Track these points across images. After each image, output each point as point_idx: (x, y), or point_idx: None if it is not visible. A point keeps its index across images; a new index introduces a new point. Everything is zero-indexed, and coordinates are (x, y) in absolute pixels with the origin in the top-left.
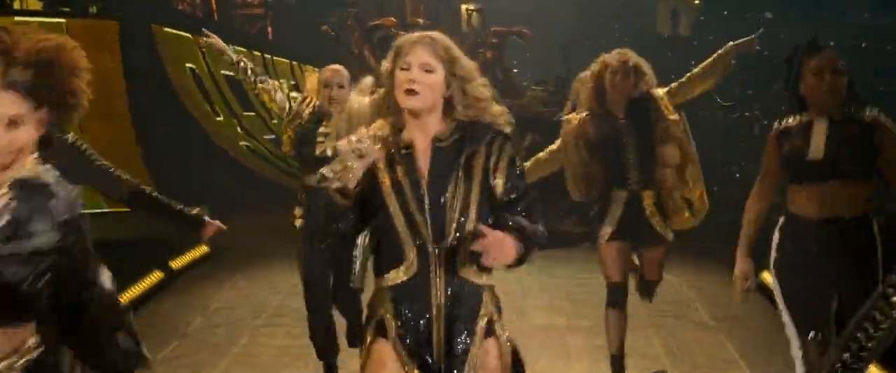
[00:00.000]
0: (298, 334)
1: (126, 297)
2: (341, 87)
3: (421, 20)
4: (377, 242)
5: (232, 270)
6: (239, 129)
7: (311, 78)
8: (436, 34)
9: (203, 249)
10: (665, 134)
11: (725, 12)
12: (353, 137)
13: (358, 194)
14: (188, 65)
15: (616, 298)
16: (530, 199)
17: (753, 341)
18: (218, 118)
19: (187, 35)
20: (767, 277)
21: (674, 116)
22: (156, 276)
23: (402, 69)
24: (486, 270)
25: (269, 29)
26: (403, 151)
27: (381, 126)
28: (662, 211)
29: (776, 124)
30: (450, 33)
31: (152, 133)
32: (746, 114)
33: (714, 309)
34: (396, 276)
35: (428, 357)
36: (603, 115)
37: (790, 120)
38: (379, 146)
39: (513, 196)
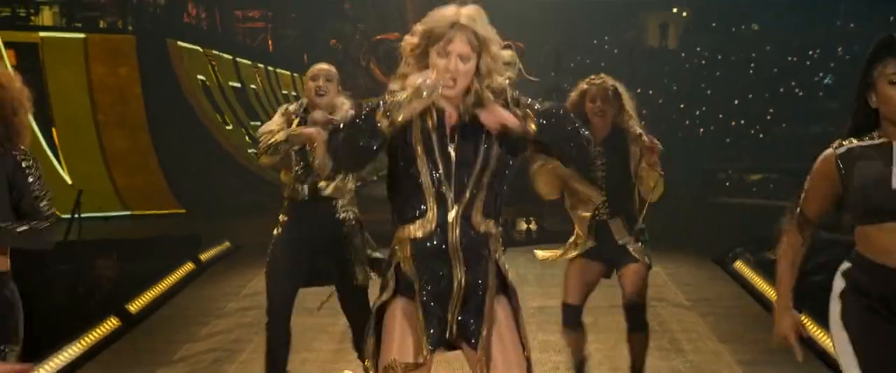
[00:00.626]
0: (319, 314)
1: (164, 284)
2: (328, 80)
3: None
4: (395, 192)
5: (251, 262)
6: (247, 137)
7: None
8: (472, 14)
9: (226, 244)
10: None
11: (713, 24)
12: (422, 77)
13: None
14: (199, 77)
15: (568, 319)
16: (563, 116)
17: (724, 318)
18: (228, 127)
19: (198, 48)
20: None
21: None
22: (188, 266)
23: (439, 56)
24: (491, 217)
25: (270, 41)
26: (434, 118)
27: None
28: (632, 233)
29: (836, 144)
30: None
31: (167, 141)
32: (732, 122)
33: (688, 291)
34: (416, 229)
35: (442, 310)
36: None
37: (856, 139)
38: (435, 86)
39: (555, 114)
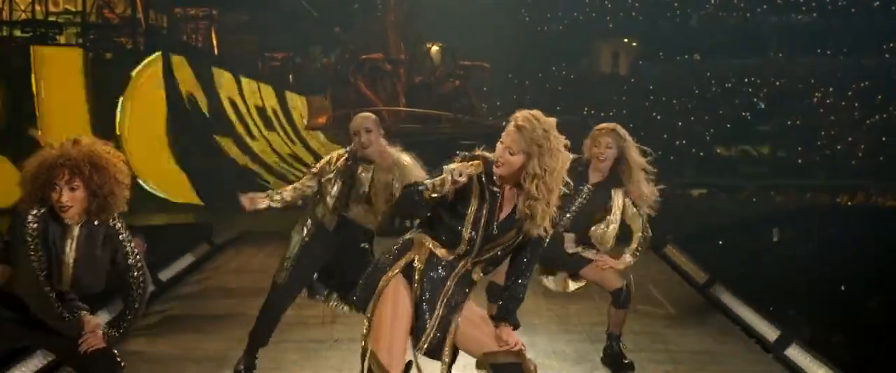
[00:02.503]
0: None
1: (183, 263)
2: (368, 131)
3: (402, 56)
4: (439, 218)
5: (262, 245)
6: (269, 147)
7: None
8: (532, 121)
9: (240, 229)
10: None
11: (660, 53)
12: (457, 168)
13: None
14: (227, 96)
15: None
16: (534, 251)
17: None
18: (255, 140)
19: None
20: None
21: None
22: (205, 247)
23: (500, 142)
24: (478, 272)
25: (259, 63)
26: (494, 189)
27: (476, 166)
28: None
29: None
30: (420, 66)
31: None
32: (676, 142)
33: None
34: (438, 250)
35: (427, 310)
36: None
37: None
38: (467, 179)
39: (525, 245)
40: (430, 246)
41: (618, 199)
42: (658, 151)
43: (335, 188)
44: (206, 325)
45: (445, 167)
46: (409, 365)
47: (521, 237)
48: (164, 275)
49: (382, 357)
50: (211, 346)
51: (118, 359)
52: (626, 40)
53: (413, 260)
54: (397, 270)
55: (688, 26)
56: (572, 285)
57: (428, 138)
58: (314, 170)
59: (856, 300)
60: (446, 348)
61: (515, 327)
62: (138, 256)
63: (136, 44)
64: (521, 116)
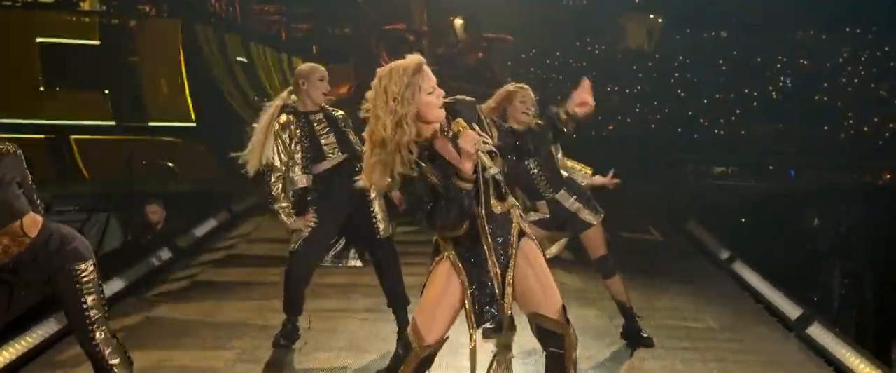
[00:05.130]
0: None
1: (201, 230)
2: (321, 79)
3: (425, 27)
4: (437, 199)
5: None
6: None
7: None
8: (418, 59)
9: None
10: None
11: (687, 30)
12: (471, 140)
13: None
14: (239, 58)
15: (605, 270)
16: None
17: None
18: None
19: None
20: None
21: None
22: (224, 215)
23: (428, 94)
24: (504, 197)
25: (283, 32)
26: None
27: (468, 133)
28: (582, 196)
29: None
30: (443, 38)
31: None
32: (700, 119)
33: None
34: (456, 233)
35: (484, 274)
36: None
37: None
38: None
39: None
40: (447, 237)
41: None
42: (680, 128)
43: (298, 154)
44: (223, 292)
45: (468, 147)
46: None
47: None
48: (183, 242)
49: (422, 325)
50: (228, 313)
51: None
52: (652, 16)
53: (447, 254)
54: (443, 260)
55: (715, 2)
56: (554, 249)
57: None
58: (279, 158)
59: (880, 281)
60: (507, 301)
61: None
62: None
63: (159, 11)
64: (414, 60)
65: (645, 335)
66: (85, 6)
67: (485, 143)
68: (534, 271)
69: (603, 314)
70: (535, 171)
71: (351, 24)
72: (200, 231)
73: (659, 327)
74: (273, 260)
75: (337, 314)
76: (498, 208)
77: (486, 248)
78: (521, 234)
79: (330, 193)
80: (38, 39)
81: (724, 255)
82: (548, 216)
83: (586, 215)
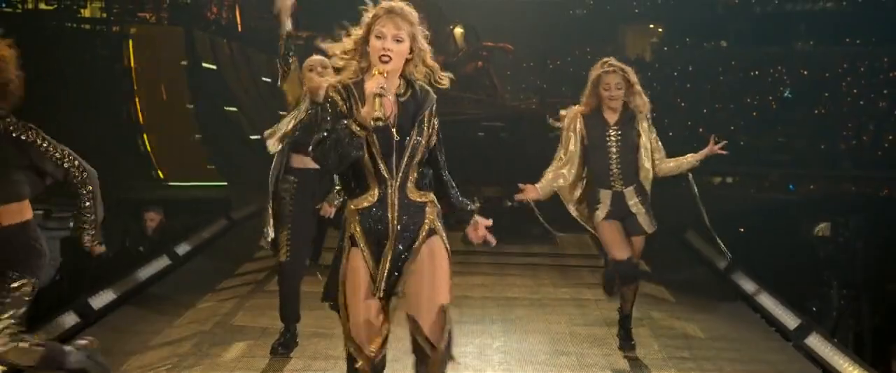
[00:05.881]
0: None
1: (199, 238)
2: (325, 67)
3: (426, 36)
4: (347, 174)
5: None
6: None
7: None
8: (404, 6)
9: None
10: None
11: (687, 40)
12: (375, 83)
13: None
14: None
15: (630, 274)
16: (441, 146)
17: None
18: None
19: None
20: None
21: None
22: (222, 222)
23: (376, 38)
24: (424, 190)
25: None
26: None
27: (378, 77)
28: (646, 201)
29: None
30: (444, 46)
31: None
32: (699, 129)
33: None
34: (362, 201)
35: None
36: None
37: None
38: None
39: (436, 147)
40: (354, 205)
41: (644, 126)
42: (681, 137)
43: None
44: (220, 299)
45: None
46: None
47: (421, 129)
48: (181, 249)
49: (356, 336)
50: (225, 320)
51: None
52: (652, 26)
53: (352, 232)
54: (347, 252)
55: (715, 12)
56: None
57: (450, 119)
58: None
59: (878, 290)
60: (400, 286)
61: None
62: (60, 150)
63: (160, 19)
64: (392, 2)
65: (632, 342)
66: (85, 13)
67: (382, 94)
68: (429, 274)
69: (601, 322)
70: (614, 158)
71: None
72: (198, 238)
73: (657, 336)
74: (269, 265)
75: (335, 322)
76: (414, 196)
77: (390, 226)
78: (432, 232)
79: (305, 188)
80: None
81: (722, 264)
82: (610, 209)
83: (644, 221)
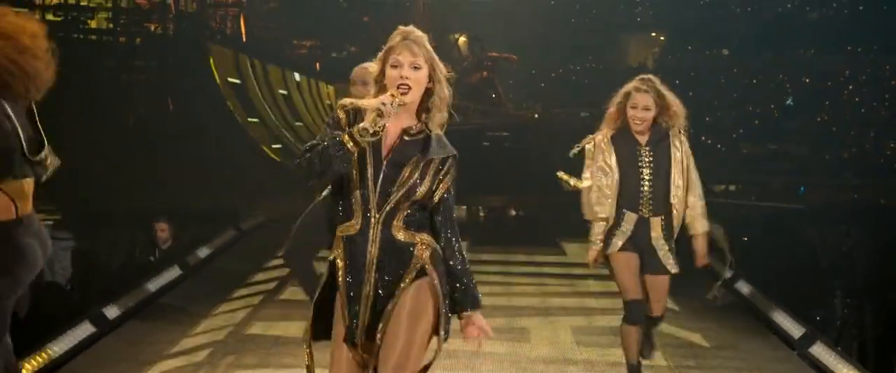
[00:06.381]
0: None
1: (208, 249)
2: (365, 83)
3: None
4: (337, 190)
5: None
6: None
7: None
8: (419, 33)
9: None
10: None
11: (689, 48)
12: (380, 100)
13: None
14: (231, 80)
15: (634, 316)
16: (450, 209)
17: None
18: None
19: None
20: None
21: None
22: (231, 233)
23: (393, 67)
24: (415, 230)
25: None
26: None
27: (387, 96)
28: (670, 238)
29: None
30: (448, 57)
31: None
32: (701, 137)
33: None
34: (347, 229)
35: (359, 297)
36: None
37: None
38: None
39: (441, 206)
40: (341, 232)
41: (677, 145)
42: None
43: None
44: (234, 308)
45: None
46: None
47: (424, 172)
48: (191, 259)
49: None
50: (239, 328)
51: None
52: (653, 34)
53: (335, 257)
54: (326, 281)
55: (716, 21)
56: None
57: (454, 129)
58: None
59: (880, 299)
60: (378, 333)
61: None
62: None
63: (166, 30)
64: (406, 29)
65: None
66: (92, 24)
67: (383, 109)
68: (406, 330)
69: (607, 330)
70: (646, 179)
71: (358, 44)
72: (208, 249)
73: (663, 344)
74: (279, 275)
75: None
76: (400, 235)
77: (368, 265)
78: (422, 273)
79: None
80: None
81: (727, 273)
82: (630, 237)
83: (666, 259)
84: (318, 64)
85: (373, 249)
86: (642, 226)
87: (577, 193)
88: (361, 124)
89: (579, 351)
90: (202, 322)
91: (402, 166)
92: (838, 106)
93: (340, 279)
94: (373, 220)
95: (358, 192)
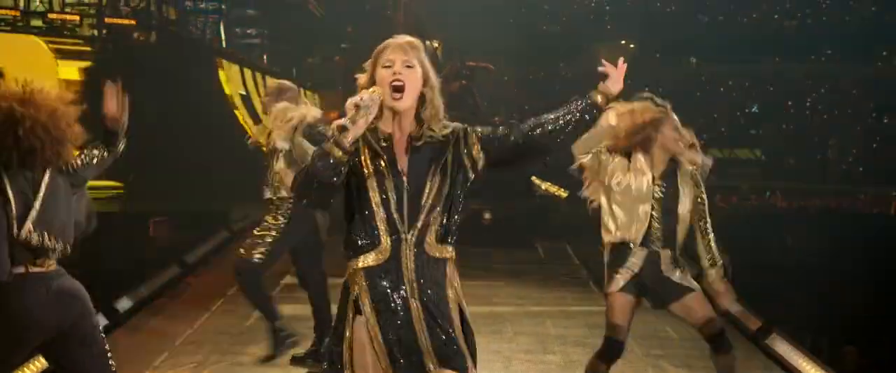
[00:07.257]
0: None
1: (204, 248)
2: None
3: None
4: (350, 219)
5: None
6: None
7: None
8: (413, 40)
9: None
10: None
11: (657, 55)
12: (358, 96)
13: (347, 160)
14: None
15: (610, 353)
16: (500, 132)
17: None
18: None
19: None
20: None
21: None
22: (224, 234)
23: (384, 67)
24: (446, 244)
25: (265, 56)
26: (383, 143)
27: (376, 90)
28: (678, 265)
29: None
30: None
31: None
32: None
33: None
34: (369, 259)
35: (401, 338)
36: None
37: None
38: (377, 101)
39: (501, 137)
40: (360, 264)
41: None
42: None
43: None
44: (230, 305)
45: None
46: None
47: (444, 172)
48: (190, 257)
49: None
50: (237, 324)
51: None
52: (623, 42)
53: (357, 295)
54: (351, 321)
55: (685, 31)
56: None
57: None
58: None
59: (833, 295)
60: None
61: None
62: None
63: (148, 36)
64: (401, 35)
65: None
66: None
67: (361, 103)
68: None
69: (585, 325)
70: (656, 216)
71: (340, 53)
72: (204, 248)
73: (636, 337)
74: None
75: None
76: (433, 251)
77: (407, 289)
78: (456, 300)
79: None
80: None
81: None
82: (636, 275)
83: (680, 279)
84: (294, 70)
85: (408, 274)
86: (652, 261)
87: (549, 197)
88: (338, 121)
89: (558, 343)
90: (204, 316)
91: (424, 174)
92: (801, 113)
93: (369, 313)
94: (404, 242)
95: (382, 214)
